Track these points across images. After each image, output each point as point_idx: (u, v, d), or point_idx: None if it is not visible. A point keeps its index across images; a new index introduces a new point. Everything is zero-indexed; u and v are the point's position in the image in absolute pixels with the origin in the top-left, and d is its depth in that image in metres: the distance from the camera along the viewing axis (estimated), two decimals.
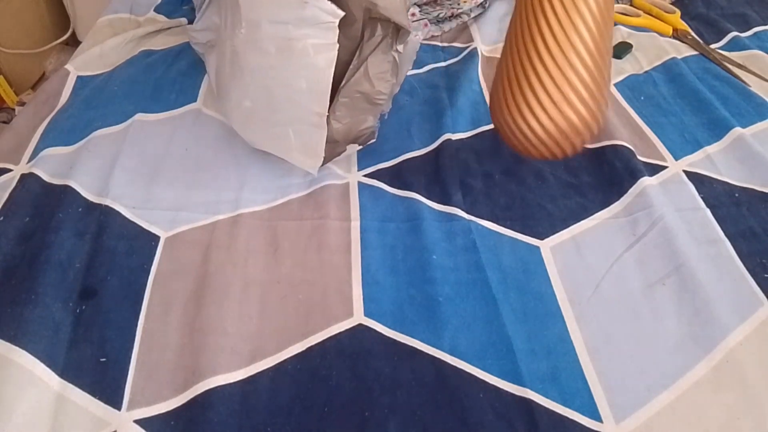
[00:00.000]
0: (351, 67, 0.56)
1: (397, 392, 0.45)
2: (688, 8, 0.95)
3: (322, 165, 0.57)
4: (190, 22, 0.87)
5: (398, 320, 0.50)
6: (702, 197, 0.61)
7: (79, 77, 0.76)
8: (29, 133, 0.67)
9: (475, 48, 0.83)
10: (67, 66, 0.77)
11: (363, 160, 0.65)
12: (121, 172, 0.61)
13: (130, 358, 0.47)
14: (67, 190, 0.59)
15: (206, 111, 0.70)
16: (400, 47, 0.57)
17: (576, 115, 0.51)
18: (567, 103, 0.50)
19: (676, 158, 0.66)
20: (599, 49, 0.50)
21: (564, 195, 0.61)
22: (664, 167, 0.64)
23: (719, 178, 0.63)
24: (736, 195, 0.61)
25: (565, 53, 0.49)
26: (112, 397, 0.44)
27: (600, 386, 0.46)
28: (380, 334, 0.49)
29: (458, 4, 0.87)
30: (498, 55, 0.82)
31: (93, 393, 0.44)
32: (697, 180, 0.63)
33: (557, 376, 0.46)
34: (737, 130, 0.68)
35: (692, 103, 0.74)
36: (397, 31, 0.56)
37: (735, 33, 0.88)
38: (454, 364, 0.47)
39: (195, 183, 0.61)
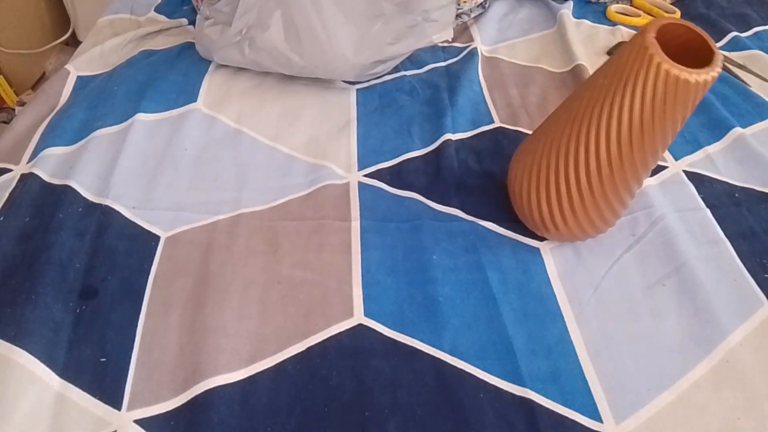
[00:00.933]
0: None
1: (397, 392, 0.45)
2: (689, 8, 0.95)
3: None
4: (191, 22, 0.87)
5: (398, 320, 0.50)
6: (702, 197, 0.61)
7: (79, 77, 0.76)
8: (29, 133, 0.67)
9: (475, 48, 0.83)
10: (68, 66, 0.77)
11: (363, 160, 0.65)
12: (121, 172, 0.61)
13: (130, 358, 0.47)
14: (67, 190, 0.59)
15: (206, 111, 0.70)
16: None
17: (614, 216, 0.52)
18: (611, 210, 0.51)
19: (676, 158, 0.66)
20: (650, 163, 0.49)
21: None
22: (664, 167, 0.64)
23: (719, 178, 0.63)
24: (736, 195, 0.61)
25: (625, 171, 0.48)
26: (112, 397, 0.44)
27: (600, 386, 0.46)
28: (380, 334, 0.49)
29: (458, 5, 0.87)
30: (498, 55, 0.83)
31: (93, 393, 0.44)
32: (697, 180, 0.63)
33: (557, 376, 0.46)
34: (737, 130, 0.68)
35: None
36: None
37: (735, 33, 0.88)
38: (455, 364, 0.47)
39: (195, 183, 0.61)
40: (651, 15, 0.92)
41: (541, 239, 0.57)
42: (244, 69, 0.78)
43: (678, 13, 0.90)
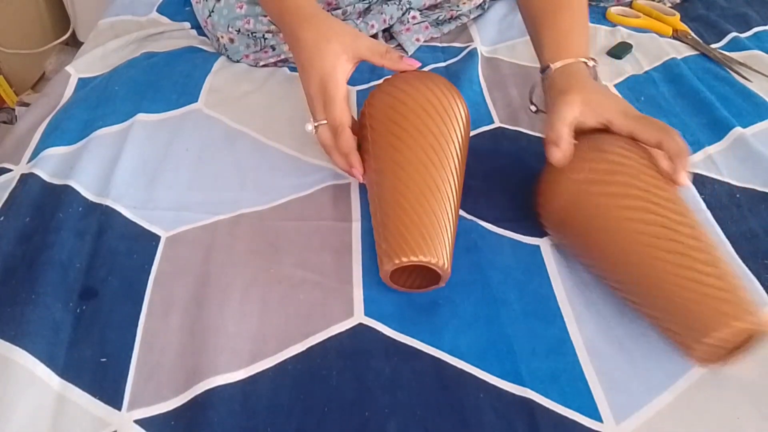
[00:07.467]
0: None
1: (397, 392, 0.45)
2: (688, 11, 0.95)
3: None
4: (193, 26, 0.87)
5: (398, 320, 0.50)
6: (703, 198, 0.61)
7: (80, 79, 0.76)
8: (29, 133, 0.67)
9: (475, 48, 0.83)
10: (68, 68, 0.77)
11: None
12: (122, 172, 0.61)
13: (130, 358, 0.47)
14: (67, 190, 0.59)
15: (207, 111, 0.70)
16: None
17: None
18: None
19: None
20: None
21: None
22: None
23: (720, 178, 0.63)
24: (737, 196, 0.61)
25: None
26: (113, 397, 0.44)
27: (600, 386, 0.46)
28: (380, 334, 0.49)
29: (457, 6, 0.87)
30: (498, 56, 0.83)
31: (93, 393, 0.44)
32: (699, 181, 0.63)
33: (557, 376, 0.46)
34: (738, 130, 0.68)
35: (693, 104, 0.74)
36: None
37: (735, 33, 0.88)
38: (455, 364, 0.47)
39: (195, 183, 0.61)
40: (650, 17, 0.92)
41: (542, 238, 0.57)
42: (244, 70, 0.78)
43: (677, 16, 0.90)
